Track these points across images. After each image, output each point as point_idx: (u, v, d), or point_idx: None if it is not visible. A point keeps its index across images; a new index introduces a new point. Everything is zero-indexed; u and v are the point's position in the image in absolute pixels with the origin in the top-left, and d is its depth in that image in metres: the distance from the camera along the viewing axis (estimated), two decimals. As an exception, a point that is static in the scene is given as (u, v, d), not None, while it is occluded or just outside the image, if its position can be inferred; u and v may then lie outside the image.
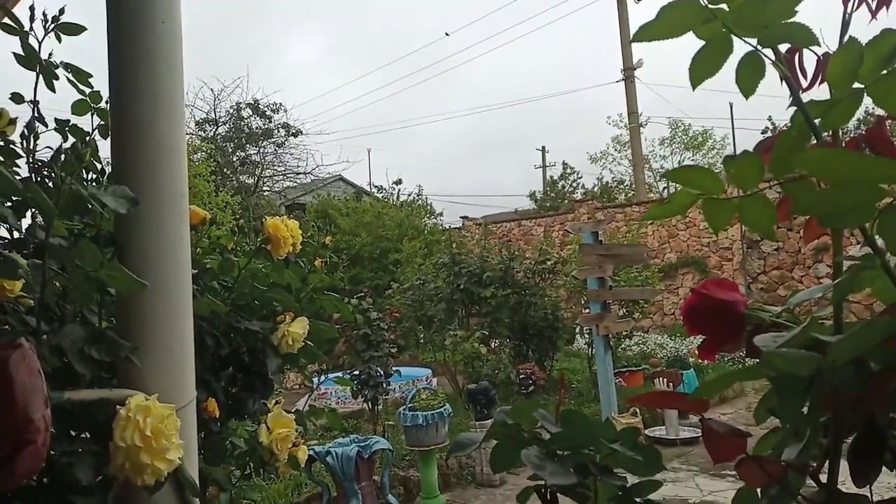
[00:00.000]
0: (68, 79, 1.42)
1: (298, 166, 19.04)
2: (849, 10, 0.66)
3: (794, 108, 0.63)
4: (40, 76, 1.35)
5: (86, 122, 1.45)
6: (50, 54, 1.35)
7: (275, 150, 18.65)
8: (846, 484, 0.62)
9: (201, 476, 1.21)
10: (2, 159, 1.29)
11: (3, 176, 0.93)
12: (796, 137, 0.63)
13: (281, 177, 19.21)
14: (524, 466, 0.72)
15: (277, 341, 1.48)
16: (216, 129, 17.99)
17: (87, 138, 1.43)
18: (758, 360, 0.62)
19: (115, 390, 1.04)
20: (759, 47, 0.63)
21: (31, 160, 1.31)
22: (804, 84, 0.68)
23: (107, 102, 1.39)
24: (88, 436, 1.06)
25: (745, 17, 0.60)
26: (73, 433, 1.06)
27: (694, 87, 0.65)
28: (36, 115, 1.34)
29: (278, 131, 18.35)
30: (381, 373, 6.30)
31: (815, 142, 0.62)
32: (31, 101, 1.35)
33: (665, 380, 7.79)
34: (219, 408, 1.37)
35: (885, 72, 0.59)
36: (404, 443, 5.40)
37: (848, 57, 0.59)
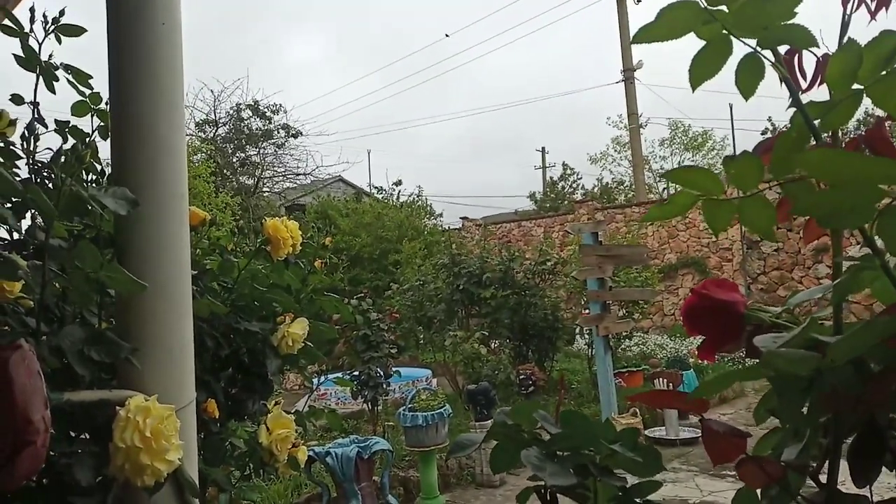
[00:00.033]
0: (68, 80, 1.42)
1: (298, 167, 19.07)
2: (848, 12, 0.66)
3: (793, 109, 0.63)
4: (40, 77, 1.35)
5: (86, 124, 1.46)
6: (50, 56, 1.35)
7: (275, 151, 18.67)
8: (846, 484, 0.62)
9: (201, 477, 1.21)
10: (2, 160, 1.29)
11: (4, 177, 0.93)
12: (796, 138, 0.63)
13: (281, 178, 19.22)
14: (524, 467, 0.72)
15: (277, 342, 1.48)
16: (216, 131, 17.99)
17: (87, 139, 1.43)
18: (757, 361, 0.62)
19: (114, 391, 1.04)
20: (758, 49, 0.63)
21: (31, 161, 1.31)
22: (804, 85, 0.68)
23: (107, 104, 1.39)
24: (88, 437, 1.06)
25: (745, 18, 0.60)
26: (72, 434, 1.06)
27: (694, 89, 0.65)
28: (36, 116, 1.34)
29: (278, 132, 18.35)
30: (381, 373, 6.30)
31: (814, 143, 0.62)
32: (31, 103, 1.35)
33: (665, 380, 7.79)
34: (218, 409, 1.37)
35: (884, 73, 0.59)
36: (404, 443, 5.40)
37: (847, 58, 0.59)
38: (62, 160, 1.00)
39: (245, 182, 17.94)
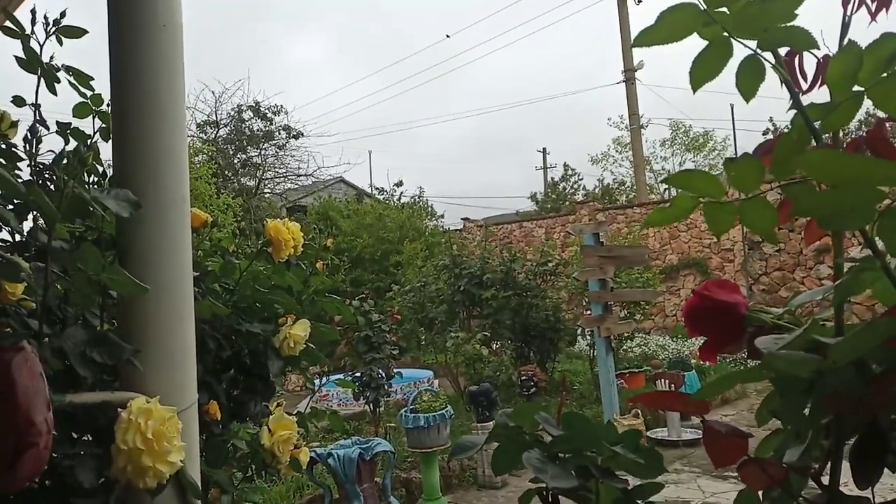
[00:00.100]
0: (70, 82, 1.42)
1: (300, 168, 19.05)
2: (848, 13, 0.66)
3: (794, 111, 0.63)
4: (42, 79, 1.35)
5: (87, 125, 1.46)
6: (51, 57, 1.35)
7: (276, 152, 18.65)
8: (848, 486, 0.62)
9: (203, 478, 1.21)
10: (4, 162, 1.29)
11: (6, 179, 0.93)
12: (796, 140, 0.63)
13: (282, 179, 19.21)
14: (526, 468, 0.72)
15: (279, 343, 1.48)
16: (217, 132, 17.99)
17: (89, 141, 1.44)
18: (759, 362, 0.62)
19: (116, 393, 1.04)
20: (759, 51, 0.63)
21: (33, 163, 1.31)
22: (804, 87, 0.68)
23: (108, 105, 1.40)
24: (90, 438, 1.06)
25: (745, 20, 0.61)
26: (74, 436, 1.06)
27: (695, 91, 0.66)
28: (38, 118, 1.34)
29: (279, 133, 18.35)
30: (383, 375, 6.30)
31: (815, 144, 0.62)
32: (32, 105, 1.35)
33: (667, 381, 7.77)
34: (220, 410, 1.37)
35: (885, 75, 0.59)
36: (406, 444, 5.39)
37: (848, 60, 0.59)
38: (64, 162, 1.00)
39: (246, 183, 17.94)
